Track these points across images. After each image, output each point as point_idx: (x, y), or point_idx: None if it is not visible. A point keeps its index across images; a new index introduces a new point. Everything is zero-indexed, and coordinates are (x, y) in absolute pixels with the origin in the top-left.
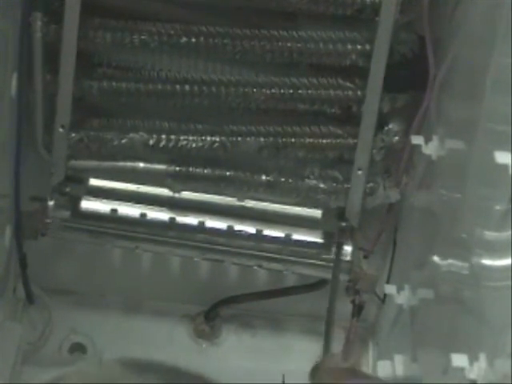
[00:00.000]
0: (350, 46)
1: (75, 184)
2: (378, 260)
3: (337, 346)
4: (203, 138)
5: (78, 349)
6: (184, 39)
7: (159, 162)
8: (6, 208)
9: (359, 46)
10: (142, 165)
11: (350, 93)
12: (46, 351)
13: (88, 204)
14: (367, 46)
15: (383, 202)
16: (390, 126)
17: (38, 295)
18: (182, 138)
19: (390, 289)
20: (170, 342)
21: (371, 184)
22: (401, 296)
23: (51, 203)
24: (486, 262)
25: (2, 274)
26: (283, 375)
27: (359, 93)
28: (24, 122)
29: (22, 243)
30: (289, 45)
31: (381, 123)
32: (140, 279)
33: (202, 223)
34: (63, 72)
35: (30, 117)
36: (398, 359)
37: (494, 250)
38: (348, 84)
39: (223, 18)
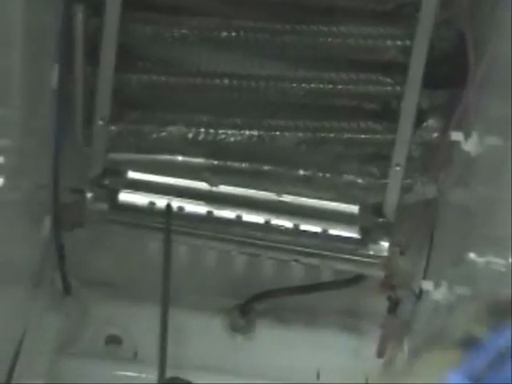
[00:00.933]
0: (389, 42)
1: (113, 177)
2: (414, 256)
3: (373, 343)
4: (241, 131)
5: (114, 340)
6: (224, 33)
7: (197, 156)
8: (45, 199)
9: (399, 42)
10: (180, 158)
11: (389, 88)
12: (82, 342)
13: (126, 197)
14: (407, 42)
15: (420, 198)
16: (429, 122)
17: (74, 287)
18: (220, 131)
19: (427, 285)
20: (205, 335)
21: (409, 180)
22: (438, 292)
23: (90, 195)
24: None
25: (40, 265)
26: (317, 371)
27: (398, 88)
28: (64, 115)
29: (60, 234)
30: (328, 40)
31: (419, 119)
32: (176, 272)
33: (239, 217)
34: (103, 65)
35: (70, 109)
36: None
37: None
38: (387, 80)
39: (263, 13)
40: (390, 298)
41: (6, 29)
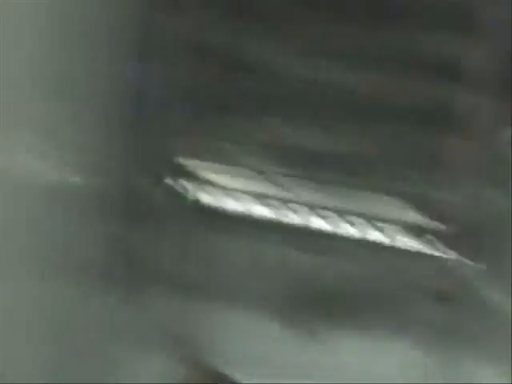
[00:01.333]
0: None
1: (189, 176)
2: None
3: None
4: (316, 135)
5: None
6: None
7: (278, 163)
8: (119, 194)
9: None
10: (251, 159)
11: None
12: (147, 337)
13: (203, 197)
14: None
15: None
16: None
17: (143, 282)
18: (293, 133)
19: None
20: (264, 334)
21: None
22: None
23: (164, 192)
24: None
25: (112, 259)
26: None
27: None
28: (142, 113)
29: (130, 227)
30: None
31: None
32: (239, 269)
33: (310, 220)
34: (178, 62)
35: (148, 108)
36: None
37: None
38: None
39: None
40: None
41: (88, 27)
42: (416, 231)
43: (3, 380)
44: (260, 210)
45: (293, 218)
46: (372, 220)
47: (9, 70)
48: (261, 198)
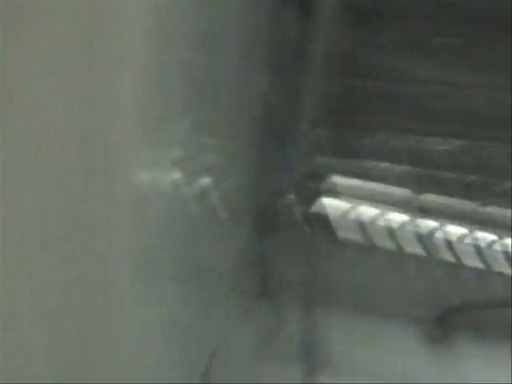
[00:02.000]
0: None
1: (316, 181)
2: None
3: None
4: (448, 140)
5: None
6: (437, 39)
7: (401, 163)
8: (247, 200)
9: None
10: (383, 165)
11: None
12: (277, 347)
13: (327, 201)
14: None
15: None
16: None
17: (271, 289)
18: (426, 139)
19: None
20: (401, 346)
21: None
22: None
23: (291, 198)
24: None
25: (239, 267)
26: None
27: None
28: (272, 117)
29: (261, 237)
30: None
31: None
32: (373, 279)
33: (441, 226)
34: (312, 68)
35: (278, 112)
36: None
37: None
38: None
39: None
40: None
41: (221, 32)
42: None
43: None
44: (393, 214)
45: (425, 221)
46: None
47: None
48: (392, 200)
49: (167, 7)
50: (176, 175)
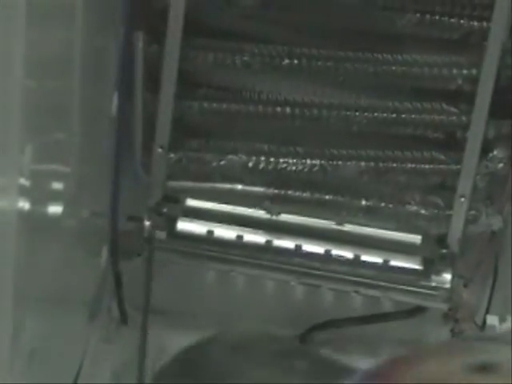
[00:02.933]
0: (455, 71)
1: (172, 204)
2: (477, 288)
3: None
4: (303, 161)
5: None
6: (286, 61)
7: (257, 184)
8: (102, 227)
9: (465, 71)
10: (240, 187)
11: (455, 118)
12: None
13: (184, 225)
14: (474, 71)
15: (485, 230)
16: (495, 152)
17: (131, 315)
18: (281, 160)
19: (492, 320)
20: None
21: (473, 211)
22: (503, 327)
23: (148, 223)
24: None
25: (97, 294)
26: None
27: (464, 118)
28: (123, 142)
29: (117, 263)
30: (393, 68)
31: (485, 149)
32: (233, 301)
33: (298, 247)
34: (164, 92)
35: (129, 137)
36: None
37: None
38: (452, 109)
39: (326, 41)
40: (452, 331)
41: (66, 56)
42: (412, 251)
43: None
44: (250, 235)
45: (284, 242)
46: (367, 241)
47: None
48: (249, 222)
49: (5, 34)
50: (23, 204)
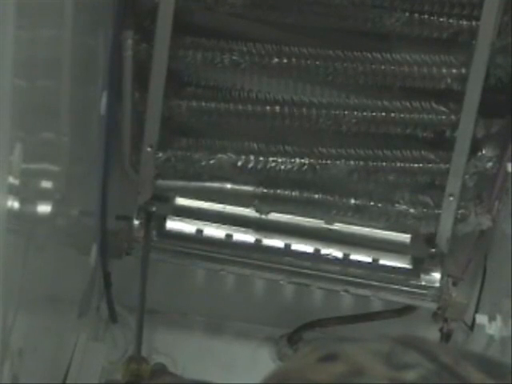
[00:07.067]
0: (445, 70)
1: (161, 203)
2: (467, 287)
3: None
4: (292, 160)
5: (160, 368)
6: (275, 60)
7: (247, 184)
8: (92, 226)
9: (454, 70)
10: (229, 186)
11: (444, 117)
12: None
13: (173, 224)
14: (463, 70)
15: (474, 229)
16: (484, 151)
17: (120, 314)
18: (270, 159)
19: (481, 319)
20: (252, 365)
21: (462, 210)
22: (492, 326)
23: (137, 222)
24: None
25: (87, 293)
26: None
27: (453, 117)
28: (112, 141)
29: (107, 262)
30: (382, 67)
31: (474, 148)
32: (223, 300)
33: (288, 246)
34: (152, 91)
35: (118, 136)
36: None
37: None
38: (442, 108)
39: (316, 40)
40: (441, 330)
41: (56, 56)
42: (401, 250)
43: None
44: (239, 234)
45: (273, 241)
46: (356, 240)
47: None
48: (238, 221)
49: None
50: (13, 203)
